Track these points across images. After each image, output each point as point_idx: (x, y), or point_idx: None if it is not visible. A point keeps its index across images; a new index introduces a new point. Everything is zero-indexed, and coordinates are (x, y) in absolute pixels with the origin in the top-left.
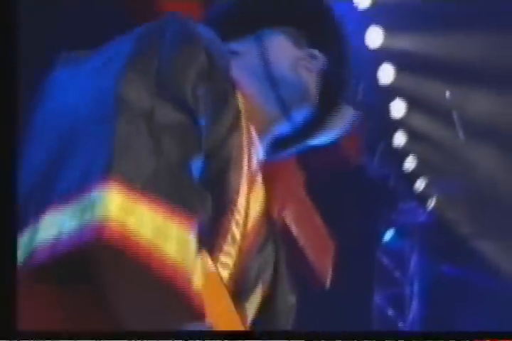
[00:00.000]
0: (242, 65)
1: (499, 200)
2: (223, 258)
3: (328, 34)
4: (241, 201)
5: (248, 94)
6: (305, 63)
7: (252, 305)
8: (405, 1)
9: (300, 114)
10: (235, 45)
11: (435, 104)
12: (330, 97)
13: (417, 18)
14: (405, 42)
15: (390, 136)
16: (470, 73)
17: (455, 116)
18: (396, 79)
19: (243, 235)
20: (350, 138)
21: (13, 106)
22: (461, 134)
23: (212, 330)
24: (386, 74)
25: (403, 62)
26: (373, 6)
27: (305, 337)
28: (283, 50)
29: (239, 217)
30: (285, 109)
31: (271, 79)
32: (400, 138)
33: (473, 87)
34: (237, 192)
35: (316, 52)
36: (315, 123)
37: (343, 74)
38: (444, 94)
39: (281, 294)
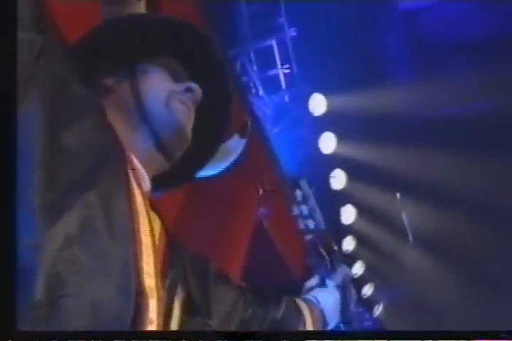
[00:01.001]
0: (115, 100)
1: (440, 306)
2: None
3: (208, 67)
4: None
5: (121, 130)
6: (180, 97)
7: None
8: (358, 111)
9: (178, 149)
10: (108, 80)
11: (384, 211)
12: (211, 129)
13: (368, 128)
14: (356, 150)
15: (339, 241)
16: (415, 183)
17: (405, 219)
18: (347, 184)
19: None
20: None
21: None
22: (410, 237)
23: (212, 330)
24: (338, 179)
25: (354, 168)
26: (328, 113)
27: (304, 337)
28: (157, 85)
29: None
30: (159, 144)
31: (142, 115)
32: (349, 244)
33: (418, 197)
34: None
35: (193, 85)
36: (196, 157)
37: (224, 106)
38: (392, 201)
39: None
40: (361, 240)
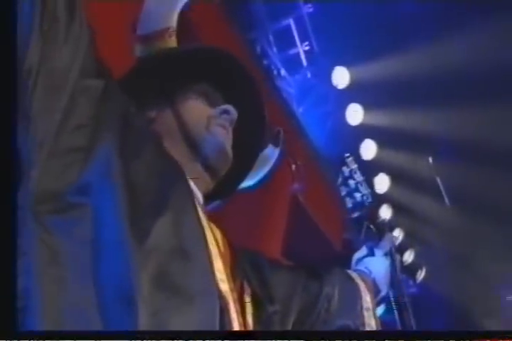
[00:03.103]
0: (160, 129)
1: (484, 265)
2: None
3: (239, 86)
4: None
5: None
6: (217, 121)
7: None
8: (380, 80)
9: (221, 168)
10: (151, 112)
11: (418, 176)
12: (249, 143)
13: (391, 95)
14: (384, 118)
15: (375, 211)
16: (445, 144)
17: (439, 182)
18: (378, 154)
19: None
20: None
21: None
22: (446, 200)
23: (213, 330)
24: (368, 149)
25: (383, 137)
26: (352, 85)
27: (304, 337)
28: (196, 112)
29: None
30: (205, 165)
31: (187, 140)
32: (385, 212)
33: (451, 158)
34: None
35: (228, 107)
36: (237, 171)
37: (258, 120)
38: (425, 165)
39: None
40: (397, 207)
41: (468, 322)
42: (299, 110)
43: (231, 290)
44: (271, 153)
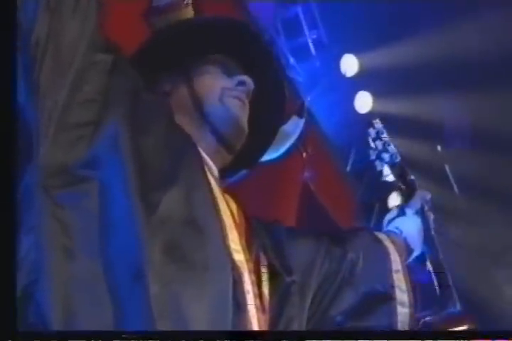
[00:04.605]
0: (174, 102)
1: (496, 255)
2: None
3: (258, 58)
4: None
5: (186, 129)
6: (233, 93)
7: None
8: (389, 67)
9: (237, 142)
10: (166, 85)
11: (427, 164)
12: (269, 116)
13: (400, 83)
14: (393, 106)
15: (385, 198)
16: (454, 132)
17: (448, 170)
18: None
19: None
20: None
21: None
22: (455, 188)
23: (213, 330)
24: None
25: (392, 125)
26: (360, 73)
27: (305, 337)
28: (211, 84)
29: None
30: (220, 139)
31: (201, 114)
32: (394, 199)
33: (459, 145)
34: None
35: (244, 78)
36: (257, 144)
37: (278, 92)
38: (434, 153)
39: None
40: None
41: (480, 304)
42: (308, 98)
43: (246, 260)
44: (295, 125)
